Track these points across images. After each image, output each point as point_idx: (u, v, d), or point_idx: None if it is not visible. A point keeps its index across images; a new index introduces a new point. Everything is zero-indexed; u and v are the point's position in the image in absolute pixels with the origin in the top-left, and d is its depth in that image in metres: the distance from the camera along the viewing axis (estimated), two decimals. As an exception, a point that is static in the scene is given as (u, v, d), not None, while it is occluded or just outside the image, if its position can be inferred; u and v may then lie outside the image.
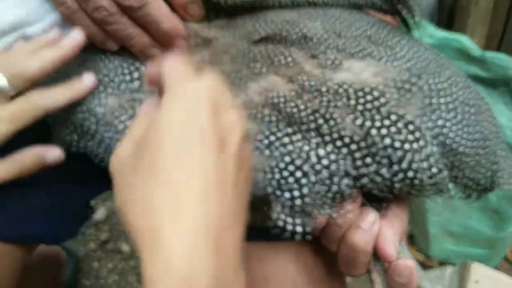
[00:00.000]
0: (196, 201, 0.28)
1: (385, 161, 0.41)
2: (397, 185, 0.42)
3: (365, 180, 0.42)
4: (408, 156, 0.41)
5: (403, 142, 0.41)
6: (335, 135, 0.41)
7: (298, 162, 0.41)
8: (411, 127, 0.42)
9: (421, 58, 0.48)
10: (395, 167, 0.41)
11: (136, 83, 0.45)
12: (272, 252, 0.50)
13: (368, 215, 0.44)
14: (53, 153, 0.45)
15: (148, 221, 0.28)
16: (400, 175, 0.42)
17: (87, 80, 0.45)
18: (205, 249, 0.27)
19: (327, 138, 0.42)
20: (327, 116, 0.42)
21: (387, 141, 0.41)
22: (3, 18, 0.44)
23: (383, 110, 0.42)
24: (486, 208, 1.06)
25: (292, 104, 0.42)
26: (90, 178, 0.54)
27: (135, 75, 0.46)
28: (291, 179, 0.41)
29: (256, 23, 0.47)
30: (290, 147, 0.42)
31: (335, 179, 0.41)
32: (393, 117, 0.42)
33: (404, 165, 0.41)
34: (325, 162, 0.41)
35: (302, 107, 0.42)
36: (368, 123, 0.41)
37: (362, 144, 0.41)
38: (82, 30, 0.44)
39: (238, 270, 0.29)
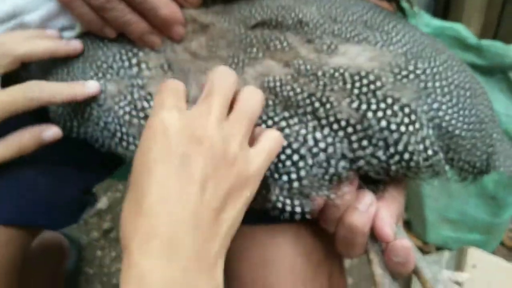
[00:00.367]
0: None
1: (381, 143, 0.42)
2: (393, 167, 0.43)
3: (361, 163, 0.43)
4: (404, 138, 0.42)
5: (399, 124, 0.42)
6: (332, 118, 0.42)
7: (295, 145, 0.42)
8: (406, 109, 0.42)
9: (416, 42, 0.48)
10: (391, 150, 0.42)
11: (134, 69, 0.46)
12: (271, 235, 0.50)
13: (365, 197, 0.44)
14: (50, 131, 0.44)
15: (124, 241, 0.31)
16: (396, 157, 0.42)
17: (91, 85, 0.44)
18: (186, 231, 0.31)
19: (324, 121, 0.42)
20: (323, 99, 0.42)
21: (383, 123, 0.41)
22: (1, 6, 0.44)
23: (379, 93, 0.42)
24: (483, 194, 1.07)
25: (288, 88, 0.43)
26: (90, 164, 0.54)
27: (134, 61, 0.46)
28: (288, 162, 0.42)
29: (252, 8, 0.47)
30: (287, 131, 0.42)
31: (332, 162, 0.42)
32: (389, 100, 0.42)
33: (400, 147, 0.42)
34: (322, 145, 0.42)
35: (298, 90, 0.43)
36: (364, 106, 0.42)
37: (358, 127, 0.42)
38: (80, 43, 0.45)
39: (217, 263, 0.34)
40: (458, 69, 0.48)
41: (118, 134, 0.45)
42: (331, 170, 0.42)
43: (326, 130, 0.42)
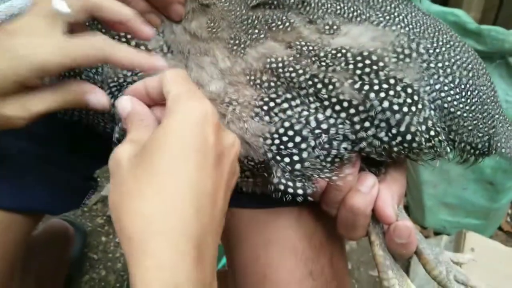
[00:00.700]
0: (187, 215, 0.30)
1: (383, 124, 0.42)
2: (395, 149, 0.43)
3: (363, 144, 0.42)
4: (407, 119, 0.42)
5: (401, 105, 0.41)
6: (334, 100, 0.42)
7: (297, 127, 0.41)
8: (409, 90, 0.42)
9: (419, 23, 0.47)
10: (394, 130, 0.42)
11: None
12: (273, 217, 0.50)
13: (367, 179, 0.44)
14: (97, 97, 0.40)
15: (137, 229, 0.29)
16: (399, 138, 0.42)
17: (160, 61, 0.39)
18: (189, 263, 0.29)
19: (326, 102, 0.42)
20: (326, 80, 0.42)
21: (386, 104, 0.41)
22: None
23: (382, 74, 0.42)
24: (481, 180, 1.08)
25: (291, 69, 0.42)
26: (91, 149, 0.54)
27: (132, 43, 0.45)
28: (290, 144, 0.41)
29: None
30: (289, 112, 0.42)
31: (334, 144, 0.42)
32: (392, 81, 0.42)
33: (402, 128, 0.42)
34: (324, 126, 0.42)
35: (300, 71, 0.42)
36: (366, 87, 0.41)
37: (361, 108, 0.41)
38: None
39: (214, 277, 0.32)
40: (460, 49, 0.48)
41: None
42: (333, 152, 0.42)
43: (329, 112, 0.42)
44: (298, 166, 0.41)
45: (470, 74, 0.47)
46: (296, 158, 0.41)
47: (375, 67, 0.42)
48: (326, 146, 0.42)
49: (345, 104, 0.42)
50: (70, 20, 0.38)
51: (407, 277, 0.47)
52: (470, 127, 0.47)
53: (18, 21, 0.37)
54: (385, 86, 0.42)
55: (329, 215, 0.47)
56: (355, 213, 0.44)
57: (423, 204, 1.18)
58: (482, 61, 0.51)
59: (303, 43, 0.44)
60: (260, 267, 0.50)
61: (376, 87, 0.41)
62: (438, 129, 0.43)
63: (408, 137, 0.42)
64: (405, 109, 0.42)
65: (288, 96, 0.42)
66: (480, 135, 0.48)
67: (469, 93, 0.46)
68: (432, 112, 0.44)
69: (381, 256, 0.46)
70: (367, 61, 0.42)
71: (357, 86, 0.42)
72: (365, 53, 0.43)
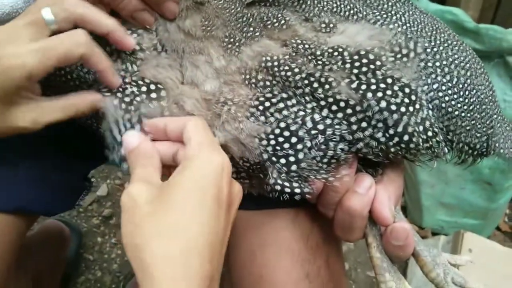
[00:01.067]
0: (204, 260, 0.32)
1: (380, 125, 0.41)
2: (392, 149, 0.42)
3: (360, 145, 0.42)
4: (404, 119, 0.41)
5: (399, 105, 0.41)
6: (331, 99, 0.41)
7: (293, 127, 0.41)
8: (406, 90, 0.41)
9: (416, 21, 0.47)
10: (391, 131, 0.41)
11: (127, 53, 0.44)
12: (269, 218, 0.50)
13: (364, 180, 0.44)
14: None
15: (160, 271, 0.31)
16: (396, 139, 0.41)
17: (118, 80, 0.42)
18: None
19: (323, 102, 0.41)
20: (322, 80, 0.41)
21: (383, 104, 0.41)
22: None
23: (379, 73, 0.41)
24: (479, 180, 1.07)
25: (286, 67, 0.42)
26: (85, 150, 0.53)
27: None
28: (286, 145, 0.41)
29: None
30: (285, 112, 0.41)
31: (331, 144, 0.41)
32: (389, 80, 0.41)
33: (400, 128, 0.41)
34: (320, 127, 0.41)
35: (296, 70, 0.41)
36: (363, 87, 0.41)
37: (358, 108, 0.41)
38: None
39: None
40: (458, 48, 0.47)
41: (121, 126, 0.43)
42: (330, 153, 0.41)
43: (325, 112, 0.41)
44: (294, 167, 0.41)
45: (468, 74, 0.46)
46: (292, 159, 0.41)
47: (372, 66, 0.41)
48: (323, 147, 0.41)
49: (342, 104, 0.41)
50: (55, 29, 0.39)
51: (404, 279, 0.46)
52: (468, 127, 0.46)
53: (4, 29, 0.39)
54: (382, 85, 0.41)
55: (325, 216, 0.47)
56: (352, 215, 0.43)
57: (420, 204, 1.17)
58: (480, 60, 0.51)
59: (299, 41, 0.43)
60: (256, 268, 0.49)
61: (373, 87, 0.41)
62: (435, 129, 0.43)
63: (406, 137, 0.41)
64: (403, 109, 0.41)
65: (284, 95, 0.42)
66: (478, 135, 0.47)
67: (467, 92, 0.46)
68: (430, 112, 0.43)
69: (378, 259, 0.45)
70: (364, 60, 0.42)
71: (354, 85, 0.41)
72: (362, 52, 0.42)
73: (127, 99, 0.42)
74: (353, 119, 0.41)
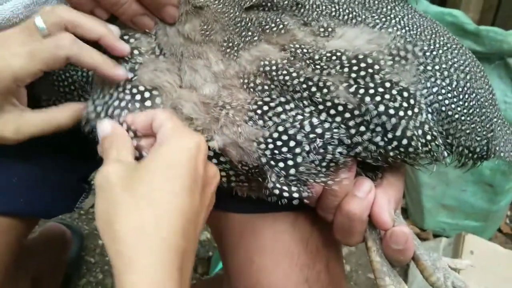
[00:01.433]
0: (176, 232, 0.32)
1: (379, 129, 0.41)
2: (391, 153, 0.42)
3: (359, 149, 0.42)
4: (403, 123, 0.41)
5: (397, 109, 0.41)
6: (329, 103, 0.41)
7: (291, 131, 0.41)
8: (405, 94, 0.41)
9: (415, 25, 0.47)
10: (389, 135, 0.41)
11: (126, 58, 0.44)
12: (269, 222, 0.50)
13: (363, 184, 0.44)
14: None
15: (129, 242, 0.31)
16: (395, 143, 0.41)
17: (120, 72, 0.42)
18: (175, 279, 0.31)
19: (321, 106, 0.41)
20: (321, 84, 0.41)
21: (381, 108, 0.40)
22: None
23: (377, 77, 0.41)
24: (480, 181, 1.07)
25: (285, 72, 0.42)
26: (84, 153, 0.53)
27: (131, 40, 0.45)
28: (284, 149, 0.41)
29: None
30: (283, 116, 0.41)
31: (329, 148, 0.41)
32: (387, 84, 0.41)
33: (398, 132, 0.41)
34: (318, 131, 0.41)
35: (294, 75, 0.41)
36: (361, 91, 0.41)
37: (356, 112, 0.41)
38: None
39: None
40: (458, 52, 0.47)
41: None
42: (328, 157, 0.41)
43: (323, 116, 0.41)
44: (292, 171, 0.41)
45: (468, 77, 0.46)
46: (290, 163, 0.41)
47: (370, 70, 0.41)
48: (321, 150, 0.41)
49: (340, 108, 0.41)
50: (46, 34, 0.40)
51: (404, 283, 0.46)
52: (468, 131, 0.46)
53: (1, 34, 0.40)
54: (380, 89, 0.41)
55: (325, 220, 0.46)
56: (351, 219, 0.43)
57: (422, 206, 1.17)
58: (480, 63, 0.51)
59: (297, 45, 0.43)
60: (254, 272, 0.49)
61: (371, 91, 0.41)
62: (434, 133, 0.43)
63: (404, 141, 0.41)
64: (401, 113, 0.41)
65: (282, 99, 0.42)
66: (478, 138, 0.47)
67: (466, 96, 0.46)
68: (429, 115, 0.43)
69: (378, 262, 0.45)
70: (363, 64, 0.41)
71: (352, 89, 0.41)
72: (361, 56, 0.42)
73: (117, 111, 0.42)
74: (351, 123, 0.41)
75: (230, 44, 0.44)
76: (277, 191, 0.40)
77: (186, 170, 0.35)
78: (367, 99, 0.40)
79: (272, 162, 0.41)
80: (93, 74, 0.45)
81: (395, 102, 0.41)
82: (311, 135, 0.41)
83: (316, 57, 0.42)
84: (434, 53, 0.45)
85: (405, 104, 0.41)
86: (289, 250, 0.49)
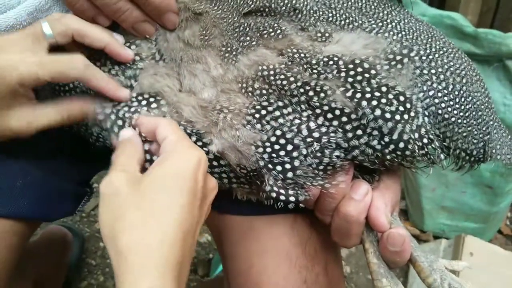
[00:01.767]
0: (176, 245, 0.34)
1: (376, 132, 0.41)
2: (388, 157, 0.42)
3: (356, 152, 0.42)
4: (399, 127, 0.41)
5: (393, 113, 0.41)
6: (326, 108, 0.42)
7: (289, 135, 0.41)
8: (401, 98, 0.42)
9: (412, 29, 0.47)
10: (386, 139, 0.41)
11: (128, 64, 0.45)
12: (268, 224, 0.50)
13: (360, 187, 0.44)
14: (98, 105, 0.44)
15: (134, 254, 0.33)
16: (391, 146, 0.42)
17: (124, 94, 0.44)
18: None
19: (318, 110, 0.42)
20: (318, 88, 0.42)
21: (378, 112, 0.41)
22: None
23: (374, 81, 0.42)
24: (480, 183, 1.07)
25: (282, 76, 0.42)
26: (85, 156, 0.54)
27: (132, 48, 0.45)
28: (282, 152, 0.41)
29: None
30: (281, 120, 0.42)
31: (326, 152, 0.41)
32: (384, 89, 0.42)
33: (395, 136, 0.41)
34: (316, 135, 0.41)
35: (292, 79, 0.42)
36: (358, 95, 0.41)
37: (353, 116, 0.41)
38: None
39: None
40: (454, 56, 0.48)
41: (115, 129, 0.44)
42: (326, 160, 0.42)
43: (320, 120, 0.42)
44: (290, 174, 0.41)
45: (464, 81, 0.47)
46: (288, 166, 0.41)
47: (367, 75, 0.42)
48: (318, 154, 0.41)
49: (337, 112, 0.41)
50: (52, 42, 0.42)
51: (401, 285, 0.46)
52: (464, 134, 0.47)
53: (4, 37, 0.41)
54: (377, 94, 0.41)
55: (323, 222, 0.47)
56: (348, 221, 0.44)
57: (422, 208, 1.17)
58: (476, 67, 0.51)
59: (294, 50, 0.44)
60: (254, 275, 0.50)
61: (368, 95, 0.41)
62: (431, 136, 0.43)
63: (401, 145, 0.42)
64: (397, 117, 0.41)
65: (280, 104, 0.42)
66: (475, 141, 0.48)
67: (463, 99, 0.46)
68: (426, 119, 0.44)
69: (375, 264, 0.46)
70: (359, 69, 0.42)
71: (349, 94, 0.41)
72: (357, 61, 0.42)
73: (125, 108, 0.43)
74: (348, 127, 0.41)
75: (229, 49, 0.45)
76: (274, 194, 0.41)
77: (187, 184, 0.37)
78: (364, 103, 0.41)
79: (270, 166, 0.41)
80: None
81: (391, 106, 0.41)
82: (309, 139, 0.41)
83: (313, 61, 0.43)
84: (430, 57, 0.46)
85: (401, 108, 0.42)
86: (288, 252, 0.49)
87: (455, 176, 1.07)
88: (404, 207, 1.27)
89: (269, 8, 0.46)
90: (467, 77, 0.47)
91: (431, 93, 0.44)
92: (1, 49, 0.40)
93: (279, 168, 0.41)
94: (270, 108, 0.42)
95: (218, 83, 0.44)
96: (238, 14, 0.46)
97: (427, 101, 0.44)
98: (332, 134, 0.41)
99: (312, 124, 0.41)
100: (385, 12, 0.48)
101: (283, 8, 0.46)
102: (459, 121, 0.46)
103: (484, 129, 0.48)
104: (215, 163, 0.43)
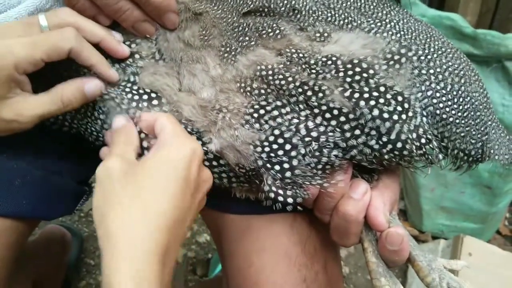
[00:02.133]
0: (164, 228, 0.35)
1: (373, 132, 0.42)
2: (386, 156, 0.42)
3: (354, 152, 0.42)
4: (397, 127, 0.41)
5: (391, 113, 0.41)
6: (324, 107, 0.42)
7: (287, 135, 0.41)
8: (399, 98, 0.42)
9: (410, 29, 0.48)
10: (384, 138, 0.42)
11: (128, 61, 0.45)
12: (267, 223, 0.50)
13: (359, 186, 0.44)
14: (92, 83, 0.43)
15: (121, 236, 0.34)
16: (389, 146, 0.42)
17: (113, 72, 0.44)
18: (157, 269, 0.34)
19: (316, 110, 0.42)
20: (316, 88, 0.42)
21: (376, 112, 0.41)
22: None
23: (372, 81, 0.42)
24: (478, 184, 1.08)
25: (281, 76, 0.42)
26: (84, 155, 0.54)
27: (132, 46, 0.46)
28: (280, 152, 0.41)
29: None
30: (279, 120, 0.42)
31: (325, 151, 0.42)
32: (382, 89, 0.42)
33: (393, 136, 0.42)
34: (314, 134, 0.42)
35: (290, 79, 0.42)
36: (356, 95, 0.41)
37: (351, 116, 0.41)
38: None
39: (171, 277, 0.37)
40: (452, 56, 0.48)
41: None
42: (324, 160, 0.42)
43: (319, 119, 0.42)
44: (288, 173, 0.41)
45: (462, 81, 0.47)
46: (286, 165, 0.41)
47: (365, 75, 0.42)
48: (317, 153, 0.42)
49: (335, 112, 0.42)
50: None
51: (400, 284, 0.46)
52: (462, 134, 0.47)
53: (1, 25, 0.41)
54: (375, 94, 0.42)
55: (322, 221, 0.47)
56: (347, 220, 0.44)
57: (420, 208, 1.17)
58: (475, 67, 0.51)
59: (293, 50, 0.44)
60: (253, 273, 0.50)
61: (366, 95, 0.41)
62: (429, 136, 0.43)
63: (399, 145, 0.42)
64: (395, 117, 0.41)
65: (278, 103, 0.43)
66: (473, 141, 0.48)
67: (461, 99, 0.46)
68: (424, 119, 0.44)
69: (374, 263, 0.46)
70: (357, 69, 0.42)
71: (347, 94, 0.42)
72: (355, 61, 0.43)
73: (127, 103, 0.44)
74: (346, 126, 0.42)
75: (228, 49, 0.45)
76: (272, 195, 0.41)
77: (180, 173, 0.38)
78: (362, 103, 0.41)
79: (268, 165, 0.41)
80: None
81: (389, 106, 0.41)
82: (307, 139, 0.41)
83: (312, 61, 0.43)
84: (429, 57, 0.46)
85: (399, 108, 0.42)
86: (287, 250, 0.49)
87: (454, 176, 1.08)
88: (403, 207, 1.27)
89: (268, 8, 0.46)
90: (465, 77, 0.48)
91: (429, 93, 0.44)
92: None
93: (277, 167, 0.41)
94: (268, 108, 0.42)
95: (217, 83, 0.44)
96: (237, 14, 0.46)
97: (425, 101, 0.44)
98: (330, 134, 0.42)
99: (311, 124, 0.42)
100: (384, 12, 0.48)
101: (282, 8, 0.46)
102: (457, 121, 0.46)
103: (482, 129, 0.49)
104: (214, 162, 0.43)
